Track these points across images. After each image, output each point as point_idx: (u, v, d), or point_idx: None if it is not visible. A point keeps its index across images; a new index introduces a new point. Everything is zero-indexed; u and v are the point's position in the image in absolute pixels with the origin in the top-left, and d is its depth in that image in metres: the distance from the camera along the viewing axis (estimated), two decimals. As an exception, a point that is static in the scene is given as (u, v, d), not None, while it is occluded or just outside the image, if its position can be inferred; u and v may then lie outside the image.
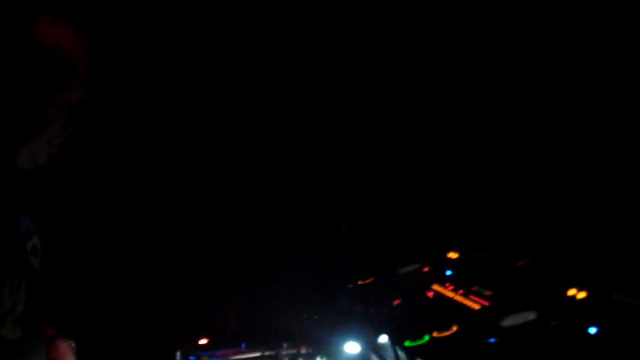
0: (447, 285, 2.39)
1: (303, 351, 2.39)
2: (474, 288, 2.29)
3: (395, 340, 2.05)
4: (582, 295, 2.08)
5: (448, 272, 2.54)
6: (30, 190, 1.87)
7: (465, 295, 2.26)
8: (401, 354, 2.00)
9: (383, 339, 2.13)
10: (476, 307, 2.15)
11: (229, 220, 3.37)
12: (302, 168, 3.51)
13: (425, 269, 2.64)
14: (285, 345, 2.41)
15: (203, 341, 2.55)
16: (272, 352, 2.40)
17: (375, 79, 3.38)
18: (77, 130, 1.76)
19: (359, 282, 2.55)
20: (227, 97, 3.46)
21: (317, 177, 3.50)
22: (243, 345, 2.49)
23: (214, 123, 3.44)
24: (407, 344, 1.97)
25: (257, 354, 2.42)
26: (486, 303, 2.16)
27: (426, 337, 1.97)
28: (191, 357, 2.40)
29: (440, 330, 1.99)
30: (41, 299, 1.81)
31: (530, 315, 1.96)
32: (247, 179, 3.42)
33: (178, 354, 2.39)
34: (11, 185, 1.72)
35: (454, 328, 1.99)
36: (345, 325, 2.41)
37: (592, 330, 1.85)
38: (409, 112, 3.38)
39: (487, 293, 2.23)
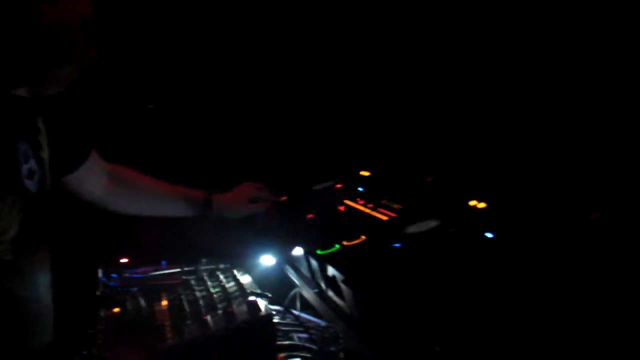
0: (358, 200, 2.49)
1: (221, 266, 2.45)
2: (383, 202, 2.40)
3: (308, 252, 2.14)
4: (482, 205, 2.21)
5: (360, 189, 2.64)
6: (33, 115, 1.89)
7: (374, 208, 2.36)
8: (313, 262, 2.10)
9: (297, 251, 2.22)
10: (384, 218, 2.25)
11: (148, 141, 3.39)
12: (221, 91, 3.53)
13: (338, 186, 2.73)
14: (204, 260, 2.48)
15: (124, 260, 2.59)
16: (192, 267, 2.46)
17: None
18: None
19: (274, 199, 2.62)
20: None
21: (236, 99, 3.53)
22: (163, 263, 2.54)
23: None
24: (318, 252, 2.06)
25: (177, 270, 2.47)
26: (394, 215, 2.26)
27: (336, 246, 2.07)
28: (113, 274, 2.44)
29: (349, 239, 2.09)
30: (39, 221, 1.84)
31: (433, 223, 2.08)
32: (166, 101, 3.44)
33: (100, 272, 2.42)
34: (8, 110, 1.73)
35: (363, 237, 2.09)
36: (262, 239, 2.50)
37: (489, 235, 1.97)
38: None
39: (396, 206, 2.34)
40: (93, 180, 2.33)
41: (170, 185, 2.52)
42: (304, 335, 2.14)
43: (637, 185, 2.28)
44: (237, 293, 2.15)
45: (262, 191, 2.57)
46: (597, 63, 2.50)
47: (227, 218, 2.52)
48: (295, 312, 2.19)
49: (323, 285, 2.08)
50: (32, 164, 1.84)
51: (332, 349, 2.10)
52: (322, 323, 2.18)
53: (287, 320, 2.18)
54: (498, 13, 2.80)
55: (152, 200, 2.50)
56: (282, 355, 2.06)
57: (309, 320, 2.21)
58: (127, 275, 2.47)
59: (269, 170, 3.16)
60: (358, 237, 2.09)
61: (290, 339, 2.14)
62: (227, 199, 2.52)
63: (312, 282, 2.18)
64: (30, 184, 1.81)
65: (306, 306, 2.29)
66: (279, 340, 2.07)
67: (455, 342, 1.69)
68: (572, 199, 2.18)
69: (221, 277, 2.31)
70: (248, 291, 2.14)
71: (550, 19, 2.62)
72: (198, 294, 2.20)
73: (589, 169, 2.44)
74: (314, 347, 2.10)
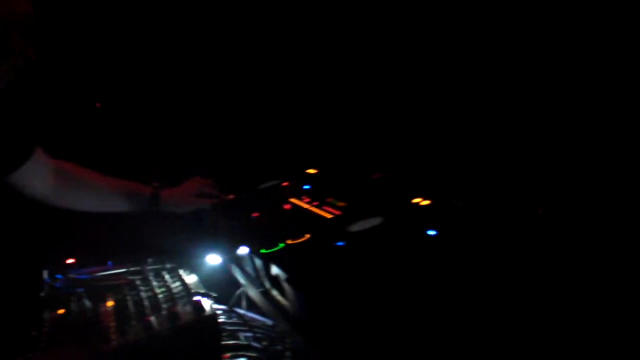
0: (304, 198, 2.50)
1: (167, 265, 2.44)
2: (328, 200, 2.41)
3: (253, 251, 2.15)
4: (425, 202, 2.23)
5: (306, 187, 2.65)
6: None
7: (320, 206, 2.37)
8: (258, 261, 2.10)
9: (242, 250, 2.23)
10: (329, 216, 2.27)
11: (96, 138, 3.36)
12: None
13: (285, 184, 2.74)
14: (150, 260, 2.46)
15: (70, 261, 2.56)
16: (138, 268, 2.45)
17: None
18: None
19: (222, 195, 2.62)
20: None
21: (184, 97, 3.51)
22: (110, 263, 2.52)
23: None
24: (262, 251, 2.07)
25: (123, 270, 2.46)
26: (339, 212, 2.28)
27: (281, 245, 2.08)
28: (58, 275, 2.41)
29: (294, 238, 2.10)
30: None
31: (376, 221, 2.10)
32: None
33: (45, 273, 2.40)
34: None
35: (307, 236, 2.10)
36: (208, 239, 2.49)
37: (431, 232, 1.99)
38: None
39: (341, 204, 2.35)
40: (38, 177, 2.32)
41: (118, 180, 2.52)
42: (250, 335, 2.15)
43: (576, 181, 2.33)
44: (182, 293, 2.15)
45: (210, 187, 2.58)
46: (532, 59, 2.54)
47: (174, 213, 2.53)
48: (241, 311, 2.20)
49: (267, 285, 2.09)
50: None
51: (279, 347, 2.11)
52: (269, 322, 2.19)
53: (233, 320, 2.18)
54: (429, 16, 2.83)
55: (100, 195, 2.50)
56: (227, 355, 2.06)
57: (255, 320, 2.22)
58: (73, 276, 2.44)
59: (216, 169, 3.15)
60: (302, 236, 2.10)
61: (236, 338, 2.14)
62: (175, 193, 2.53)
63: (257, 281, 2.19)
64: None
65: (253, 305, 2.29)
66: (225, 340, 2.08)
67: (400, 340, 1.71)
68: (513, 195, 2.22)
69: (167, 277, 2.30)
70: (193, 291, 2.14)
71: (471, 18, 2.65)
72: (143, 294, 2.19)
73: (530, 166, 2.48)
74: (260, 346, 2.11)
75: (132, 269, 2.45)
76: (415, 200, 2.24)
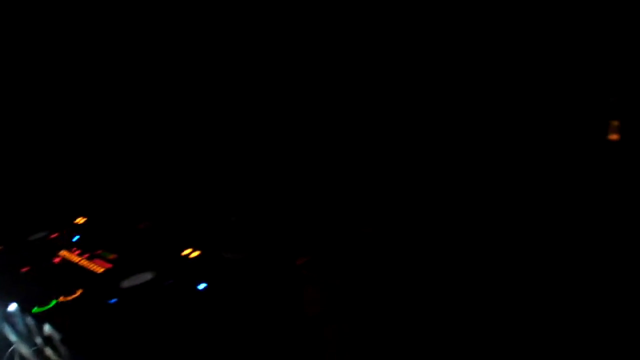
0: (73, 250, 2.53)
1: None
2: (98, 252, 2.46)
3: (24, 308, 2.16)
4: (195, 254, 2.35)
5: (75, 238, 2.67)
6: None
7: (90, 259, 2.42)
8: (29, 319, 2.12)
9: (12, 307, 2.22)
10: (100, 270, 2.32)
11: None
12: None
13: (53, 236, 2.74)
14: None
15: None
16: None
17: None
18: None
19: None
20: None
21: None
22: None
23: None
24: (34, 310, 2.09)
25: None
26: (109, 266, 2.35)
27: (53, 302, 2.11)
28: None
29: (66, 294, 2.14)
30: None
31: (148, 276, 2.19)
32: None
33: None
34: None
35: (79, 292, 2.15)
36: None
37: (202, 286, 2.12)
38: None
39: (111, 256, 2.42)
40: None
41: None
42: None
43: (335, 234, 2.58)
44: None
45: None
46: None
47: None
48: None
49: (40, 342, 2.11)
50: None
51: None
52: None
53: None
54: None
55: None
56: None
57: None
58: None
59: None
60: (74, 292, 2.14)
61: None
62: None
63: (29, 339, 2.20)
64: None
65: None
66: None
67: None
68: (277, 247, 2.41)
69: None
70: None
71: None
72: None
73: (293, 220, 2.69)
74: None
75: None
76: (186, 252, 2.35)
